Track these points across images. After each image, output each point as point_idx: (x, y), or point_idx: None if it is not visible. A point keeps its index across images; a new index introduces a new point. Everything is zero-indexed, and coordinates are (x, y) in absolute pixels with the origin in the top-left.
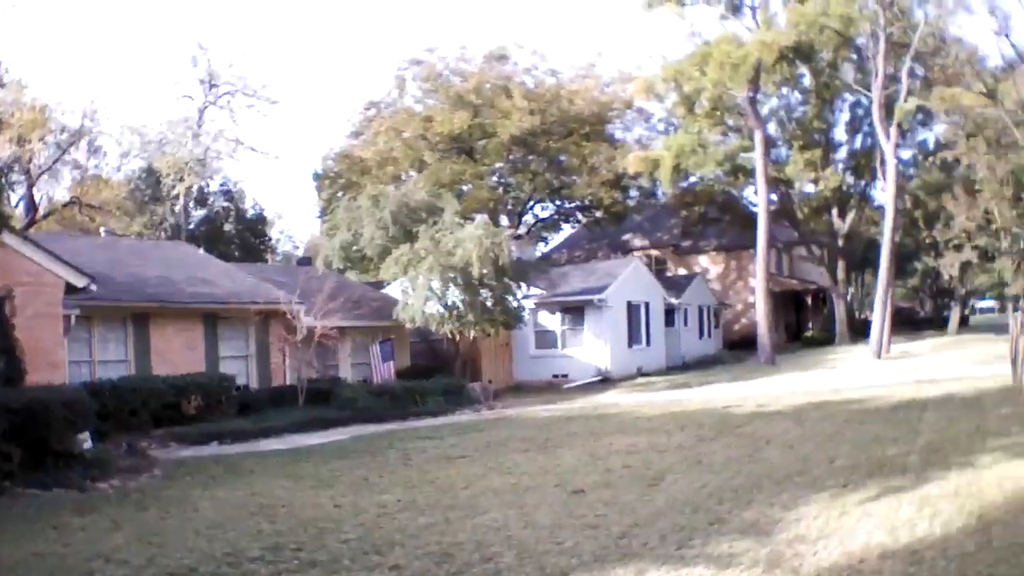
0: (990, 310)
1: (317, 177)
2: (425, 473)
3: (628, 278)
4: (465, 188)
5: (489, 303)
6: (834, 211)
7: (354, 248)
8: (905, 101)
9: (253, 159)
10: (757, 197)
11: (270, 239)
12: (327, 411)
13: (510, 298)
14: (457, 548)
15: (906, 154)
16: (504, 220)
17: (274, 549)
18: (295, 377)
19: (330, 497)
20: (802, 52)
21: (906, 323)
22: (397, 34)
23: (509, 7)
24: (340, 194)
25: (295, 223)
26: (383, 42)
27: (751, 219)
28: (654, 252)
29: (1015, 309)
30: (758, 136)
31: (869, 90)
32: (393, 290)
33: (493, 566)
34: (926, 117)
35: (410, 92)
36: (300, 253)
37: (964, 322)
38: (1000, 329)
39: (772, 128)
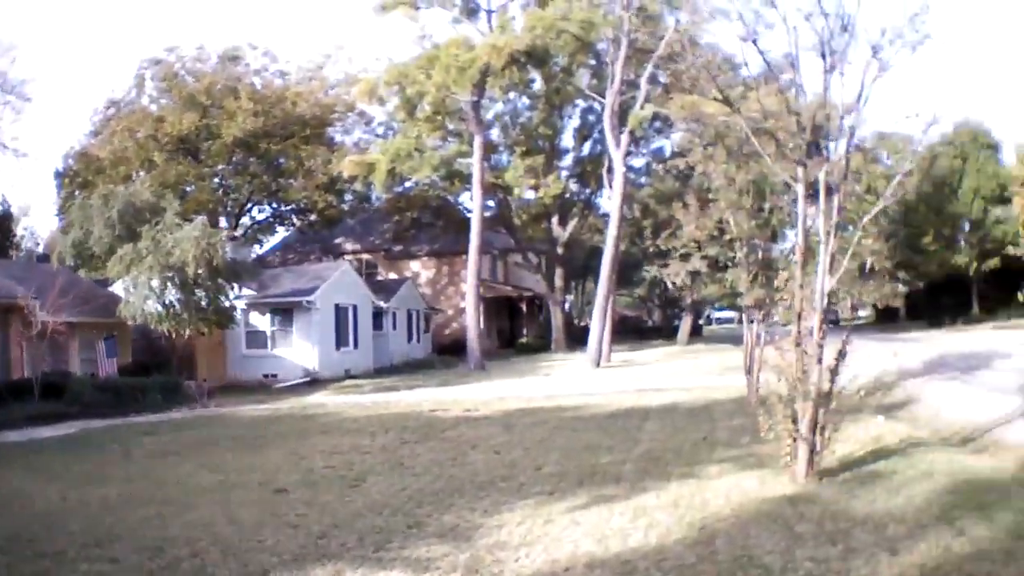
0: (729, 320)
1: (58, 175)
2: (143, 468)
3: (337, 281)
4: (189, 189)
5: (203, 303)
6: (554, 218)
7: (85, 246)
8: (642, 108)
9: (4, 157)
10: (473, 203)
11: (15, 236)
12: (59, 405)
13: (222, 298)
14: (168, 543)
15: (639, 162)
16: (223, 222)
17: (10, 540)
18: (32, 371)
19: (59, 490)
20: (535, 56)
21: (633, 332)
22: (148, 32)
23: (255, 5)
24: (77, 193)
25: (39, 220)
26: (134, 40)
27: (466, 224)
28: (365, 256)
29: (750, 320)
30: (478, 141)
31: (604, 96)
32: (119, 288)
33: (200, 561)
34: (664, 124)
35: (148, 92)
36: (41, 250)
37: (697, 332)
38: (738, 340)
39: (496, 133)
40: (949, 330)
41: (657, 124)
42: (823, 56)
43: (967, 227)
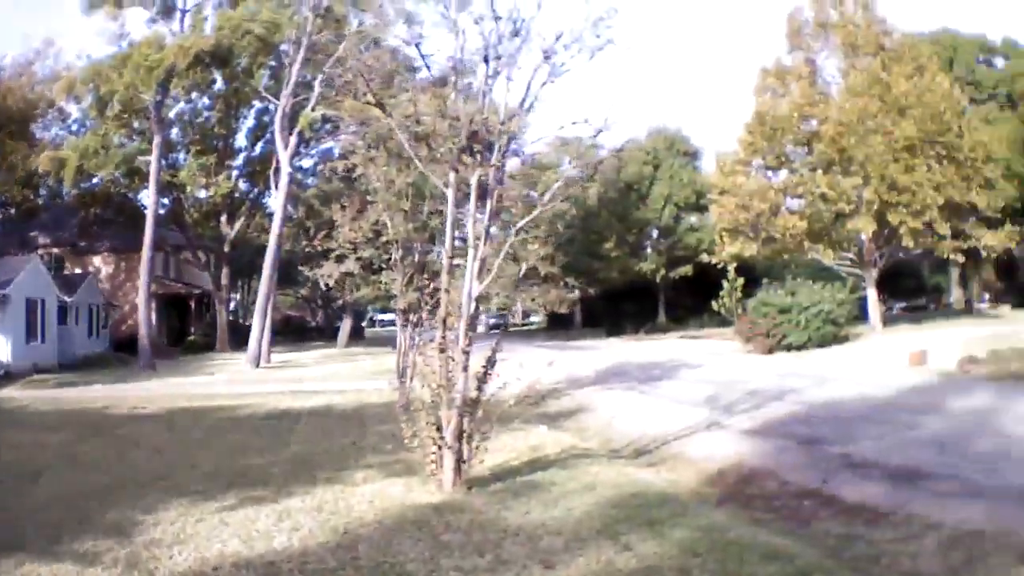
0: (392, 323)
1: None
2: None
3: (29, 275)
4: None
5: None
6: (223, 217)
7: None
8: (313, 110)
9: None
10: (149, 200)
11: None
12: None
13: None
14: None
15: (309, 163)
16: None
17: None
18: None
19: None
20: (219, 57)
21: (296, 332)
22: None
23: None
24: None
25: None
26: None
27: (144, 221)
28: (55, 250)
29: (403, 324)
30: (157, 140)
31: (280, 98)
32: None
33: None
34: (335, 127)
35: None
36: None
37: (358, 334)
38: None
39: (176, 132)
40: (632, 338)
41: (328, 126)
42: (486, 60)
43: (656, 234)
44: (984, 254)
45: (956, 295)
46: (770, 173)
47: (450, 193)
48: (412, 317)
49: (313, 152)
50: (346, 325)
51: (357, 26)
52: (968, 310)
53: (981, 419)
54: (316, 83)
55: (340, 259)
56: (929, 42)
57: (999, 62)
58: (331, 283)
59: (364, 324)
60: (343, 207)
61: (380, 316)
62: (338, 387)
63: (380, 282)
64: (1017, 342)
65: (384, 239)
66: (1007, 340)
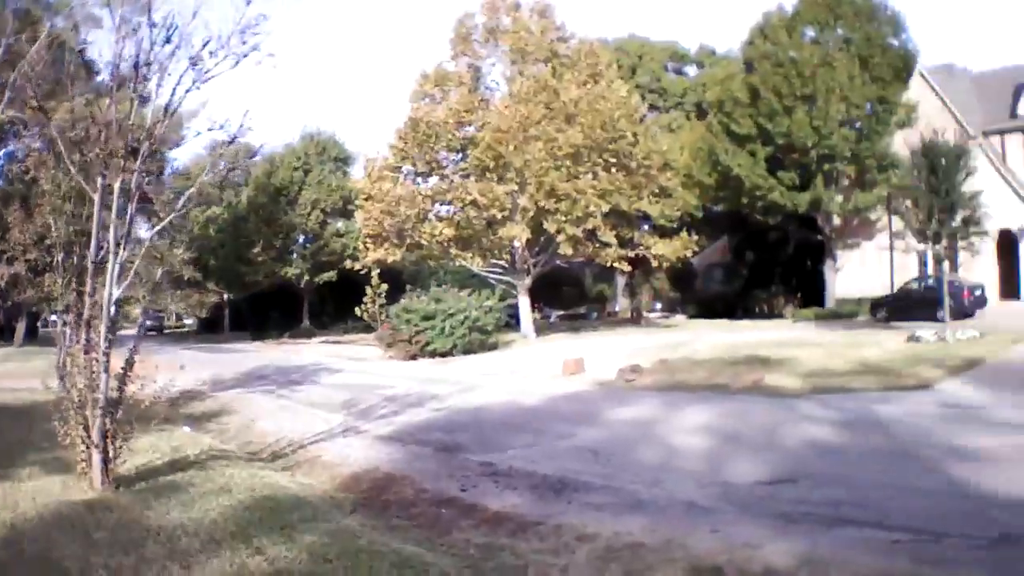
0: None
1: None
2: None
3: None
4: None
5: None
6: None
7: None
8: (3, 112)
9: None
10: None
11: None
12: None
13: None
14: None
15: None
16: None
17: None
18: None
19: None
20: None
21: None
22: None
23: None
24: None
25: None
26: None
27: None
28: None
29: (63, 325)
30: None
31: None
32: None
33: None
34: (18, 130)
35: None
36: None
37: (34, 334)
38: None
39: None
40: (275, 343)
41: (15, 128)
42: (136, 67)
43: (302, 239)
44: (655, 263)
45: (623, 304)
46: (420, 179)
47: (97, 197)
48: (69, 318)
49: (2, 153)
50: (21, 325)
51: (49, 30)
52: (636, 319)
53: (642, 429)
54: (7, 86)
55: (10, 261)
56: (613, 49)
57: (692, 70)
58: (2, 284)
59: (40, 324)
60: (15, 209)
61: (54, 317)
62: (11, 385)
63: (43, 284)
64: (690, 352)
65: (48, 242)
66: (676, 350)
